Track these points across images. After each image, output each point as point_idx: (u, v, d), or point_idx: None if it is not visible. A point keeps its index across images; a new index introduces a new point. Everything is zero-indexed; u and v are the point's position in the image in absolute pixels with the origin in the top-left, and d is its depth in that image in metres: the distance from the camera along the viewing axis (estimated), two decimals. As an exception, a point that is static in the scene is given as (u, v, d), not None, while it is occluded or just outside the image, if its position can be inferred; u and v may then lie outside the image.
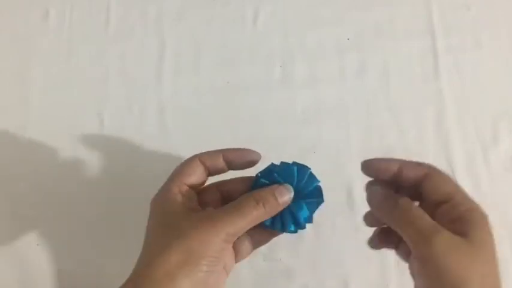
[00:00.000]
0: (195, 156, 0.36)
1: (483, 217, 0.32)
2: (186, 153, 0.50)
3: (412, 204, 0.31)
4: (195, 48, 0.55)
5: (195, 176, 0.35)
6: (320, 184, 0.35)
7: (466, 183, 0.49)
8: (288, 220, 0.35)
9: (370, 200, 0.34)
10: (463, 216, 0.31)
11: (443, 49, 0.54)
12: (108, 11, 0.56)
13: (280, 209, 0.34)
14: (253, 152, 0.36)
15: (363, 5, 0.56)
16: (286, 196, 0.34)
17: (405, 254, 0.34)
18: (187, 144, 0.51)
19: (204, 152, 0.36)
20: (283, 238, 0.47)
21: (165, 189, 0.34)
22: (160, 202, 0.34)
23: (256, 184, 0.35)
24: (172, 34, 0.55)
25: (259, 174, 0.36)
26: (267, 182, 0.35)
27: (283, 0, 0.56)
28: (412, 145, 0.51)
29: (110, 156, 0.51)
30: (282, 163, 0.36)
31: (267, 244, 0.47)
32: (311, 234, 0.48)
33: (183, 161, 0.37)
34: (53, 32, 0.56)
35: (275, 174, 0.35)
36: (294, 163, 0.36)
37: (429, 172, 0.33)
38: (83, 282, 0.47)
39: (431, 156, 0.50)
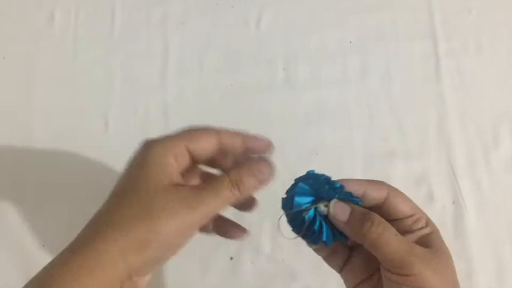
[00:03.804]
0: (211, 127, 0.31)
1: (436, 228, 0.32)
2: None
3: (386, 223, 0.30)
4: (199, 50, 0.55)
5: (204, 143, 0.31)
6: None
7: (467, 184, 0.50)
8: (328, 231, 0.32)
9: (337, 216, 0.31)
10: (423, 229, 0.31)
11: (445, 52, 0.55)
12: (113, 14, 0.57)
13: (260, 187, 0.31)
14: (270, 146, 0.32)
15: (365, 8, 0.57)
16: (266, 173, 0.30)
17: (352, 276, 0.33)
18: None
19: (224, 128, 0.32)
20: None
21: (157, 146, 0.30)
22: (144, 161, 0.29)
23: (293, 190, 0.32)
24: (176, 37, 0.56)
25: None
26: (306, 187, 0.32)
27: (286, 4, 0.57)
28: (413, 147, 0.51)
29: (115, 158, 0.51)
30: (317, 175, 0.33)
31: (270, 245, 0.48)
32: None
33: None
34: (58, 34, 0.56)
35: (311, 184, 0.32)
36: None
37: (389, 192, 0.32)
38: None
39: (432, 158, 0.51)
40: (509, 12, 0.56)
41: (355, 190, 0.32)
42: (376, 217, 0.30)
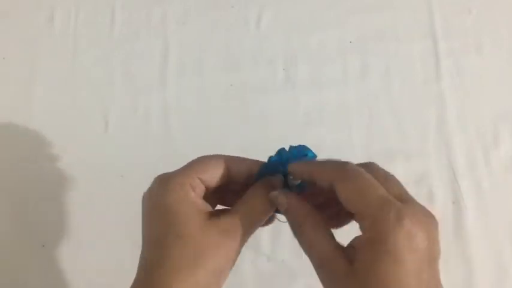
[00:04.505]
0: (218, 155, 0.31)
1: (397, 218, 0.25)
2: (190, 155, 0.51)
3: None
4: (199, 50, 0.55)
5: (213, 172, 0.30)
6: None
7: (467, 184, 0.50)
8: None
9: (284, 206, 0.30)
10: (363, 235, 0.27)
11: (445, 52, 0.55)
12: (113, 13, 0.57)
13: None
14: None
15: (365, 9, 0.57)
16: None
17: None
18: (191, 146, 0.52)
19: (231, 155, 0.32)
20: (286, 238, 0.48)
21: (173, 183, 0.29)
22: (168, 201, 0.28)
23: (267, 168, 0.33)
24: (176, 37, 0.56)
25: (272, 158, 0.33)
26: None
27: (286, 4, 0.57)
28: (413, 147, 0.51)
29: (115, 158, 0.52)
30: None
31: (270, 245, 0.48)
32: (314, 235, 0.48)
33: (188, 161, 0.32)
34: (58, 34, 0.56)
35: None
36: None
37: (336, 179, 0.28)
38: (89, 284, 0.48)
39: (432, 158, 0.51)
40: (509, 12, 0.56)
41: (298, 174, 0.31)
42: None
